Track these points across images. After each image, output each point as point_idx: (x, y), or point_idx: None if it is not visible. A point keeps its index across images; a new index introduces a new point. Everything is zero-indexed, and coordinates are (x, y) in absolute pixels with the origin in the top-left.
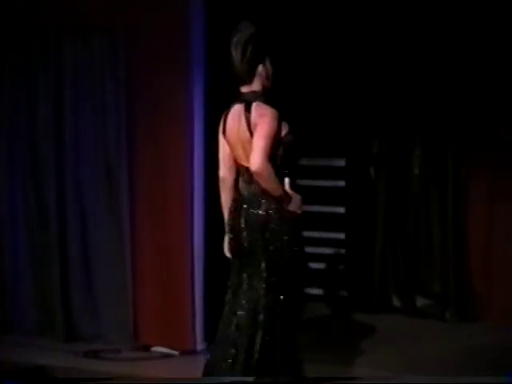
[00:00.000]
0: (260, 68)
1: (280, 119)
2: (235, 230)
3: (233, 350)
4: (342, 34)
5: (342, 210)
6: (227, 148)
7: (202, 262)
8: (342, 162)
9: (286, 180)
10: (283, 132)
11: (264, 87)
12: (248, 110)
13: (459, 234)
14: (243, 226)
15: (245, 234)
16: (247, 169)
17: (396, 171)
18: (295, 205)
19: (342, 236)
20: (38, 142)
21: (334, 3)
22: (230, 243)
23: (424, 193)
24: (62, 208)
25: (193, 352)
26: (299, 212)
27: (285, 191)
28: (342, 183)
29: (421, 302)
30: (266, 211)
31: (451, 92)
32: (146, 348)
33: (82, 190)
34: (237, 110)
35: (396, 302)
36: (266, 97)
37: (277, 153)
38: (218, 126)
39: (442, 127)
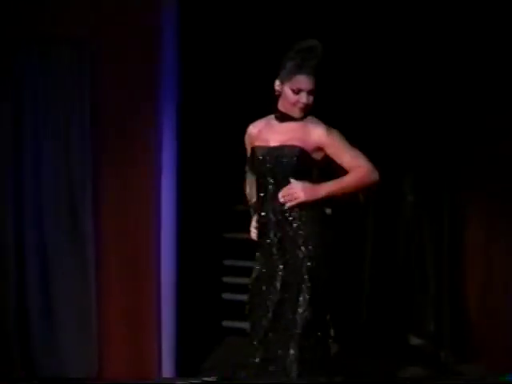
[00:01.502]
0: (276, 84)
1: (246, 136)
2: None
3: None
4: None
5: None
6: None
7: (171, 300)
8: None
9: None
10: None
11: (285, 108)
12: None
13: (455, 269)
14: None
15: None
16: None
17: (387, 199)
18: None
19: None
20: None
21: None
22: None
23: (418, 225)
24: (21, 237)
25: None
26: None
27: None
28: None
29: (414, 341)
30: None
31: (447, 116)
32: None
33: (43, 215)
34: None
35: (387, 342)
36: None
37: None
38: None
39: (437, 152)
